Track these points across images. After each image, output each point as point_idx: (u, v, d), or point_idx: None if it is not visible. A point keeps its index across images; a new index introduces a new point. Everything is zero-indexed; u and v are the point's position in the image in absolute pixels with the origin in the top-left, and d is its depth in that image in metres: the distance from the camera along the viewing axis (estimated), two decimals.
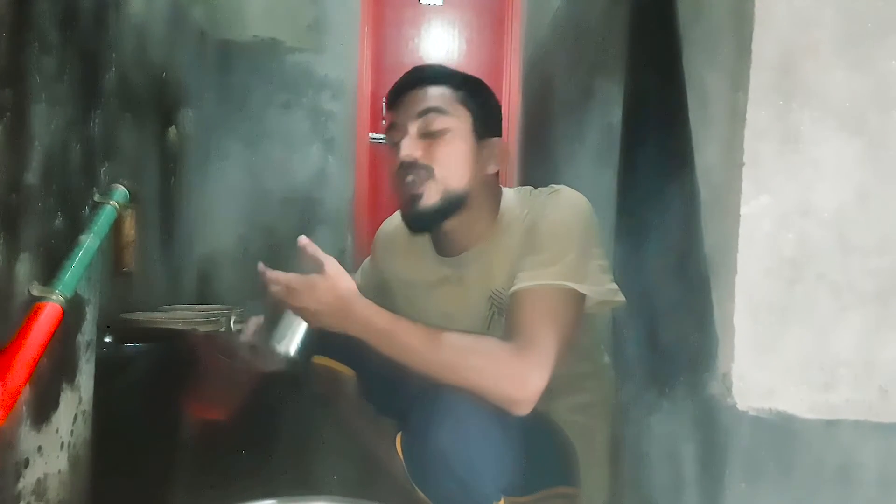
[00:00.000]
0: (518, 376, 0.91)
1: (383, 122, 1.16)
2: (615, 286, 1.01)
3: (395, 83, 1.11)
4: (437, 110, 1.04)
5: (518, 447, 0.94)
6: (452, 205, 1.04)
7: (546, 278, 0.97)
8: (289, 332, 1.01)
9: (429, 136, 1.04)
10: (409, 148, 1.03)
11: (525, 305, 0.97)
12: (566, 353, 0.96)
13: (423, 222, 1.07)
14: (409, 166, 1.03)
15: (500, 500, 0.95)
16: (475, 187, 1.06)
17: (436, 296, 1.13)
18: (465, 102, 1.07)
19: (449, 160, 1.03)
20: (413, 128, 1.04)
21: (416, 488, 0.93)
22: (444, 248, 1.12)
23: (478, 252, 1.09)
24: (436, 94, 1.06)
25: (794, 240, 0.69)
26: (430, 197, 1.03)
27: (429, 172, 1.03)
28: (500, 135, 1.12)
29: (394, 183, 1.07)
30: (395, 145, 1.06)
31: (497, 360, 0.93)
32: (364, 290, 1.28)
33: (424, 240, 1.14)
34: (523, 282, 0.98)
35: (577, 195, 1.07)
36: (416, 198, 1.03)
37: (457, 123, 1.05)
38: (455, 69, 1.13)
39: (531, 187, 1.13)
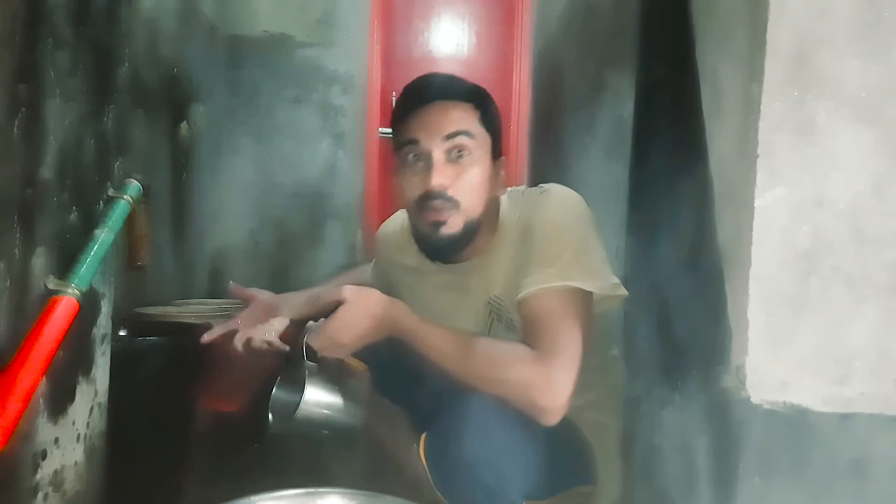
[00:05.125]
0: (546, 385, 0.91)
1: (394, 129, 1.09)
2: (617, 280, 1.01)
3: (410, 89, 1.07)
4: (466, 134, 1.01)
5: (542, 452, 0.94)
6: (470, 234, 1.03)
7: (550, 281, 0.96)
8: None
9: (453, 161, 1.01)
10: (440, 177, 1.00)
11: (538, 311, 0.96)
12: (586, 352, 0.95)
13: (442, 251, 1.06)
14: (437, 195, 1.00)
15: None
16: (487, 209, 1.05)
17: (438, 299, 1.13)
18: (484, 123, 1.04)
19: (471, 189, 1.01)
20: (439, 151, 1.01)
21: (440, 494, 0.92)
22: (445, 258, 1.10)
23: (479, 261, 1.08)
24: (460, 115, 1.02)
25: (808, 232, 0.69)
26: (454, 226, 1.01)
27: (454, 203, 1.01)
28: (502, 152, 1.09)
29: (414, 205, 1.04)
30: (414, 159, 1.03)
31: (525, 370, 0.92)
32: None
33: None
34: (528, 288, 0.97)
35: (567, 192, 1.06)
36: (439, 224, 1.01)
37: (478, 148, 1.03)
38: (464, 79, 1.09)
39: (523, 188, 1.12)
